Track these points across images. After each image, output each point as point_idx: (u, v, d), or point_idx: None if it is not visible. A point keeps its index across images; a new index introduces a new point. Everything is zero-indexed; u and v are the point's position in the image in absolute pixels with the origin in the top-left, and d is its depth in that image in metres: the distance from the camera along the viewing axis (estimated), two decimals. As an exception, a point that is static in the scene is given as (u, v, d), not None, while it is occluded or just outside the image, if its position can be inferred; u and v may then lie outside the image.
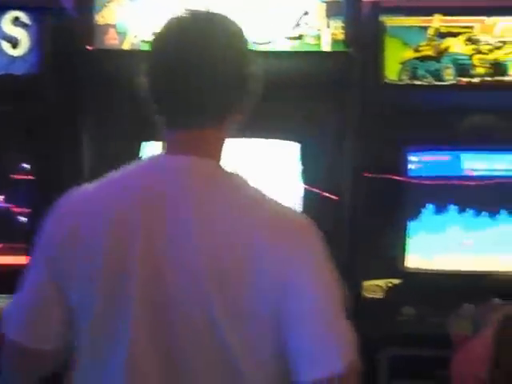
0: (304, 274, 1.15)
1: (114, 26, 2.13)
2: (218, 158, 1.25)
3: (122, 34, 2.14)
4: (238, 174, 1.24)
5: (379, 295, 2.21)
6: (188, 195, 1.18)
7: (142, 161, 1.28)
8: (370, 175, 2.27)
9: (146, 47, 2.07)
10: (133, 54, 2.12)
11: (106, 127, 2.25)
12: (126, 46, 2.15)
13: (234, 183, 1.22)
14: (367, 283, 2.23)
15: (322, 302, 1.16)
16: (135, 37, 2.15)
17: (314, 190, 2.25)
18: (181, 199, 1.17)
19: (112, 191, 1.22)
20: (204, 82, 1.18)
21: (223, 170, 1.24)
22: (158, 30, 1.23)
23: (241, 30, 1.24)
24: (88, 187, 1.25)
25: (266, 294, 1.14)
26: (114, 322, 1.17)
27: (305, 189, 2.25)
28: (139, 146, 2.26)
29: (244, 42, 1.24)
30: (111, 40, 2.13)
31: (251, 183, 1.24)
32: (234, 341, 1.14)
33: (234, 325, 1.14)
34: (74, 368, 1.24)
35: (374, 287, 2.23)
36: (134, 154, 2.18)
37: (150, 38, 1.27)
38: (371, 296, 2.20)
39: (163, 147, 1.26)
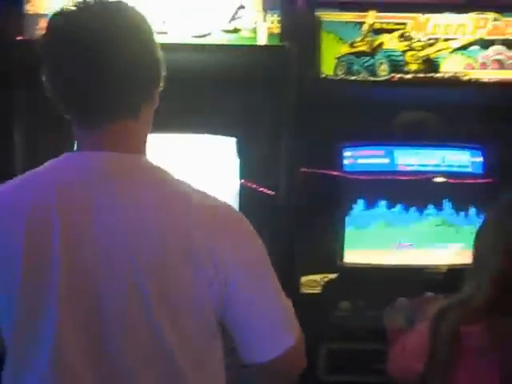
0: (242, 264, 1.17)
1: (44, 16, 2.04)
2: (140, 152, 1.22)
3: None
4: (162, 168, 1.21)
5: (316, 290, 2.22)
6: (112, 193, 1.14)
7: (60, 158, 1.22)
8: (306, 170, 2.27)
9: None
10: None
11: (38, 119, 2.17)
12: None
13: (159, 178, 1.20)
14: (305, 278, 2.23)
15: (263, 286, 1.20)
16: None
17: (251, 185, 2.23)
18: (104, 197, 1.14)
19: (29, 188, 1.18)
20: (115, 70, 1.14)
21: (146, 164, 1.21)
22: (61, 17, 1.18)
23: (144, 17, 1.22)
24: (7, 183, 1.21)
25: (204, 288, 1.13)
26: (37, 323, 1.13)
27: (241, 184, 2.23)
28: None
29: (149, 29, 1.22)
30: (42, 30, 2.03)
31: (177, 176, 1.22)
32: (173, 338, 1.13)
33: (172, 321, 1.12)
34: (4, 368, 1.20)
35: (312, 282, 2.23)
36: (68, 147, 2.10)
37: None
38: (308, 291, 2.20)
39: (76, 143, 1.22)
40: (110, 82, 1.14)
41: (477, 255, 1.52)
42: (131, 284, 1.11)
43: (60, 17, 1.18)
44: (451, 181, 2.35)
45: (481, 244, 1.51)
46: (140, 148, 1.23)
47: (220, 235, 1.15)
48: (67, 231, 1.12)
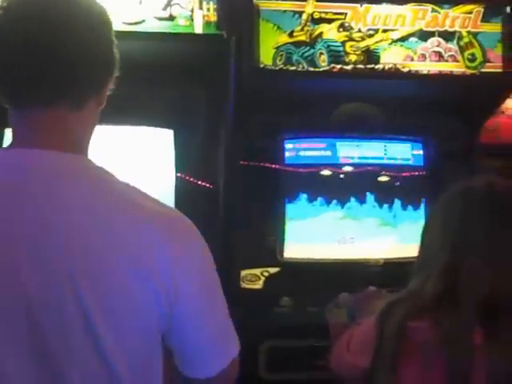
0: (189, 275, 1.10)
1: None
2: (83, 151, 1.14)
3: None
4: (107, 170, 1.12)
5: (257, 285, 2.16)
6: (51, 197, 1.05)
7: None
8: (246, 163, 2.21)
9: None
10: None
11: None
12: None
13: (103, 181, 1.11)
14: (245, 272, 2.17)
15: (208, 302, 1.15)
16: None
17: (189, 178, 2.15)
18: (43, 201, 1.05)
19: None
20: (65, 58, 1.06)
21: (90, 165, 1.12)
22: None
23: (104, 8, 1.15)
24: None
25: (150, 301, 1.07)
26: None
27: (179, 177, 2.15)
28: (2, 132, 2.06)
29: (108, 20, 1.14)
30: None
31: (122, 179, 1.13)
32: (111, 344, 1.05)
33: (110, 327, 1.05)
34: None
35: (252, 277, 2.17)
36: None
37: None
38: (249, 286, 2.14)
39: (12, 138, 1.12)
40: (51, 67, 1.06)
41: (425, 248, 1.48)
42: (71, 290, 1.03)
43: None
44: (392, 173, 2.33)
45: (429, 236, 1.48)
46: (81, 147, 1.13)
47: (171, 246, 1.09)
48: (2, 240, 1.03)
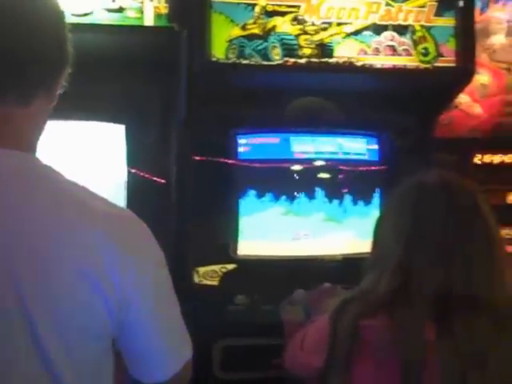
0: (138, 277, 1.06)
1: None
2: (31, 149, 1.09)
3: None
4: (54, 169, 1.08)
5: (212, 283, 2.12)
6: None
7: None
8: (199, 158, 2.17)
9: None
10: None
11: None
12: None
13: (50, 180, 1.07)
14: (205, 269, 2.13)
15: (159, 304, 1.11)
16: None
17: (141, 173, 2.10)
18: None
19: None
20: (11, 53, 1.02)
21: (37, 164, 1.07)
22: None
23: (56, 2, 1.11)
24: None
25: (94, 298, 1.03)
26: None
27: (131, 173, 2.10)
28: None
29: (60, 15, 1.10)
30: None
31: (70, 177, 1.09)
32: (55, 347, 1.02)
33: (54, 329, 1.01)
34: None
35: (206, 274, 2.13)
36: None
37: None
38: (203, 283, 2.10)
39: None
40: (22, 59, 1.03)
41: (378, 243, 1.46)
42: (12, 289, 0.99)
43: None
44: (348, 168, 2.32)
45: (382, 232, 1.45)
46: (29, 145, 1.09)
47: (120, 247, 1.05)
48: None
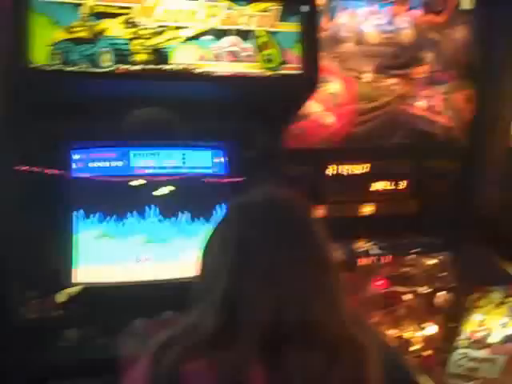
0: None
1: None
2: None
3: None
4: None
5: (38, 317, 1.87)
6: None
7: None
8: (23, 172, 1.93)
9: None
10: None
11: None
12: None
13: None
14: (23, 303, 1.88)
15: None
16: None
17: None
18: None
19: None
20: None
21: None
22: None
23: None
24: None
25: None
26: None
27: None
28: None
29: None
30: None
31: None
32: None
33: None
34: None
35: (32, 307, 1.88)
36: None
37: None
38: (27, 318, 1.85)
39: None
40: None
41: (204, 272, 1.29)
42: None
43: None
44: (193, 183, 2.15)
45: (208, 258, 1.29)
46: None
47: None
48: None
